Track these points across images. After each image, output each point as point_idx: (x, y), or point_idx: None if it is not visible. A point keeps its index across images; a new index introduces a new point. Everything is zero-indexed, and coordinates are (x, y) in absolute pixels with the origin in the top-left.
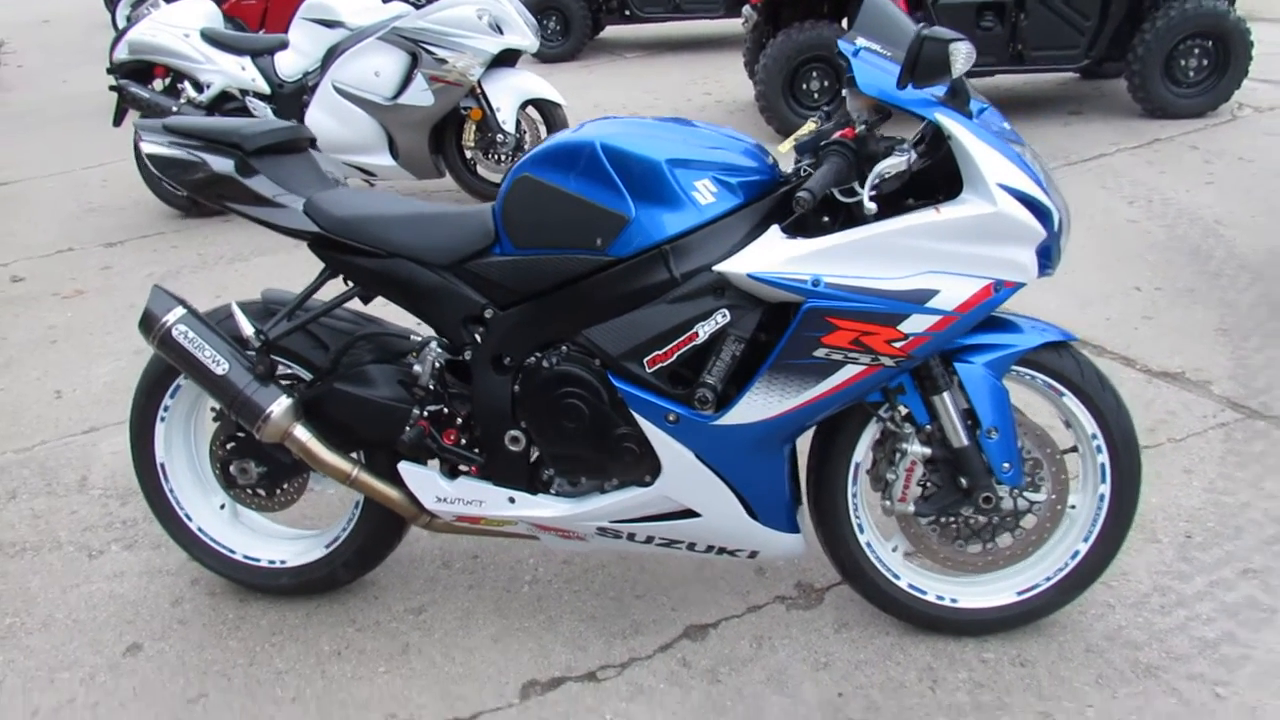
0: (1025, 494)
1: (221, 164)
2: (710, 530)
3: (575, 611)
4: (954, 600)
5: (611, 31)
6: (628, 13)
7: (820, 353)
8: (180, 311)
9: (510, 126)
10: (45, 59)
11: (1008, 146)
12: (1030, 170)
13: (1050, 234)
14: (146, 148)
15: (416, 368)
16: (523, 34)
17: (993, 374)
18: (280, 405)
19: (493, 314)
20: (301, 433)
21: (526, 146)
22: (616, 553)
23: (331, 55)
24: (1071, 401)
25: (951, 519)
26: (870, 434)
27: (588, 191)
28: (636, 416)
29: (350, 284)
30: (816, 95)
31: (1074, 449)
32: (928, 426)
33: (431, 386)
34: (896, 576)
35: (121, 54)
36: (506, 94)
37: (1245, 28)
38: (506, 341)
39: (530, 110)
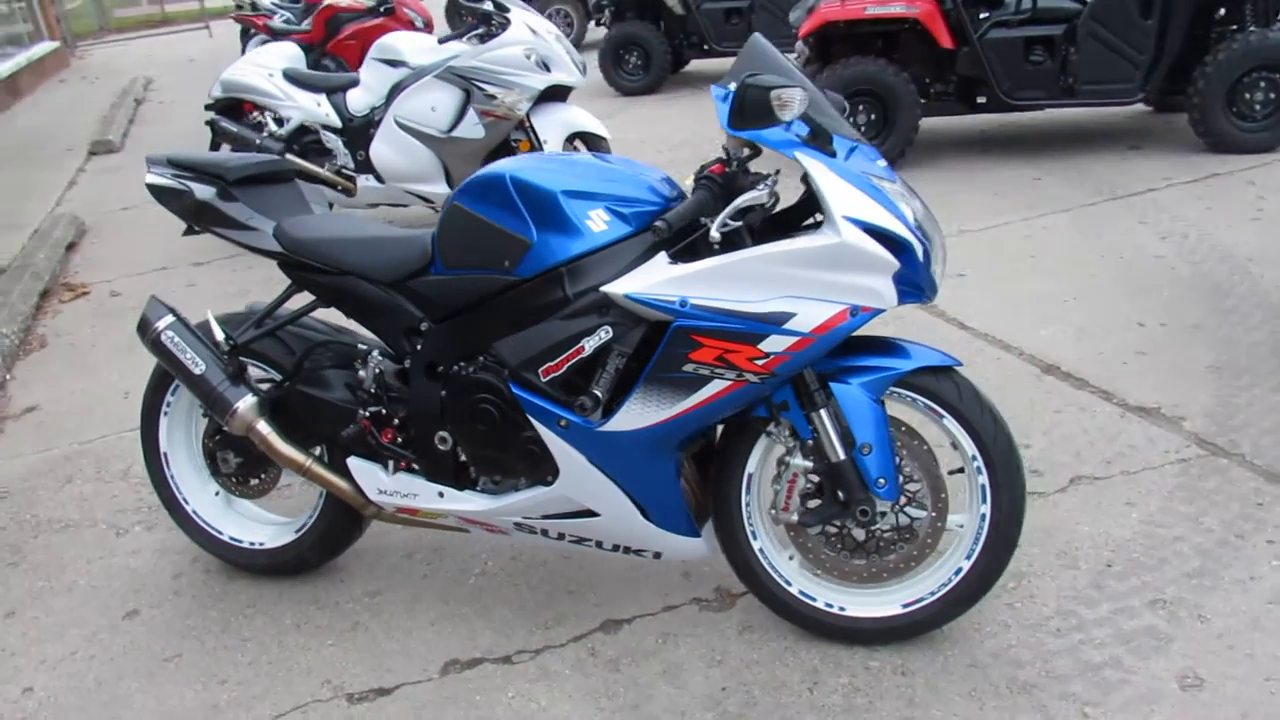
0: (906, 510)
1: (204, 191)
2: (610, 530)
3: (509, 602)
4: (842, 609)
5: (695, 65)
6: (706, 47)
7: (689, 368)
8: (170, 319)
9: (549, 148)
10: (185, 95)
11: (867, 183)
12: (890, 205)
13: (909, 265)
14: (147, 178)
15: (361, 373)
16: (569, 71)
17: (869, 394)
18: (245, 402)
19: (428, 327)
20: (263, 427)
21: None
22: (543, 548)
23: (395, 92)
24: (951, 424)
25: (835, 530)
26: (763, 446)
27: (499, 219)
28: (533, 421)
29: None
30: (863, 128)
31: (961, 470)
32: (809, 441)
33: (373, 390)
34: (788, 583)
35: (216, 91)
36: (554, 127)
37: None
38: (438, 351)
39: (577, 143)
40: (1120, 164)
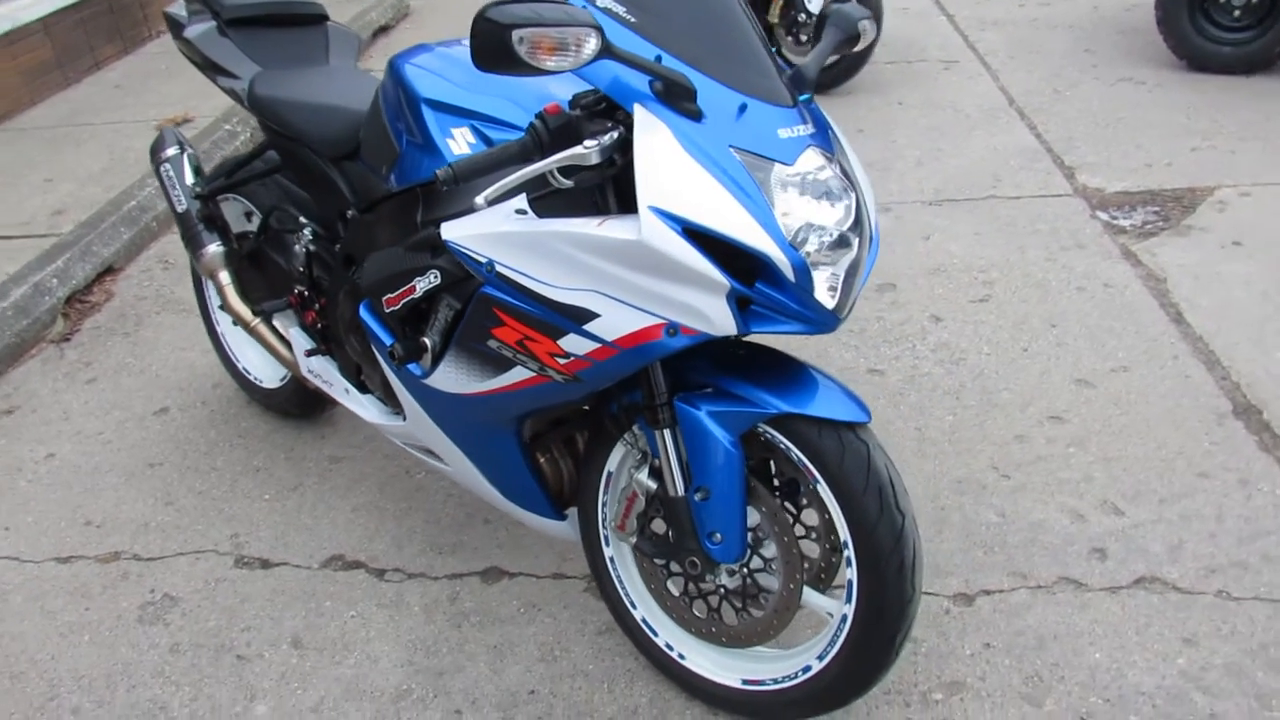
0: (756, 576)
1: (195, 28)
2: (464, 482)
3: (430, 512)
4: (681, 656)
5: None
6: None
7: (493, 344)
8: (174, 151)
9: (815, 6)
10: None
11: (726, 162)
12: (751, 201)
13: (775, 285)
14: (168, 8)
15: (295, 247)
16: None
17: (723, 430)
18: (212, 248)
19: (352, 214)
20: (223, 277)
21: None
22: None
23: None
24: (825, 492)
25: (675, 567)
26: (624, 446)
27: (389, 115)
28: (374, 351)
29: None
30: (1238, 13)
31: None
32: (656, 461)
33: (300, 269)
34: (633, 605)
35: None
36: None
37: None
38: (353, 244)
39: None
40: None
